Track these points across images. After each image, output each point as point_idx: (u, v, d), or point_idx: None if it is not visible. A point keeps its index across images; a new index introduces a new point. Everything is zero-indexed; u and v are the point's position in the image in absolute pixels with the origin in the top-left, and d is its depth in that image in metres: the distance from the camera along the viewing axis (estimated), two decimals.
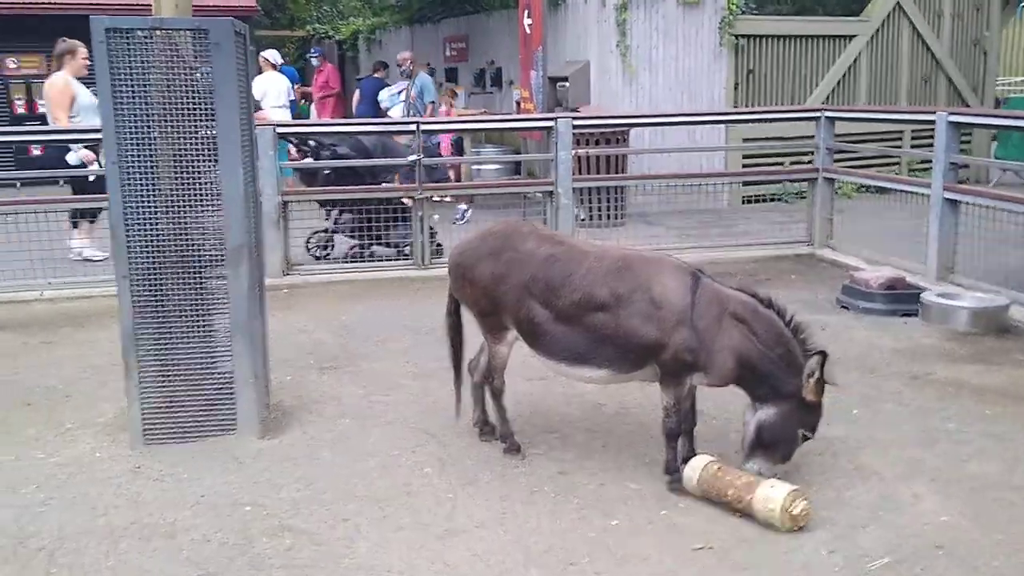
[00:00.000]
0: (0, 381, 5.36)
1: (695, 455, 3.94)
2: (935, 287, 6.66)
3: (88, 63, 8.72)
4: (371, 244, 8.41)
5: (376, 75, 13.46)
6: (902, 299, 6.40)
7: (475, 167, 11.96)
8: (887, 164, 12.10)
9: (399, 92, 12.19)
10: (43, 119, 14.85)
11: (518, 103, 11.97)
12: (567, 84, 10.82)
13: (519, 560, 3.36)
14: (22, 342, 6.13)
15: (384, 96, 12.42)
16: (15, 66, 15.24)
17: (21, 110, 15.19)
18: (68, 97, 8.44)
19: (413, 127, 8.11)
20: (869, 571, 3.27)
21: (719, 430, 4.46)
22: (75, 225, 8.46)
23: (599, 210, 9.40)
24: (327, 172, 8.29)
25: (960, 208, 7.03)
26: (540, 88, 10.15)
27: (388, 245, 8.40)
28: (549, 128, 8.28)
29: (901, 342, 5.87)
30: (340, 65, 19.70)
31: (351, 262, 8.34)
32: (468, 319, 4.42)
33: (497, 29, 13.96)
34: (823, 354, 3.64)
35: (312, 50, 15.72)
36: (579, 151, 8.69)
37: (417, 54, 16.43)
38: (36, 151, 14.34)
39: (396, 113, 11.95)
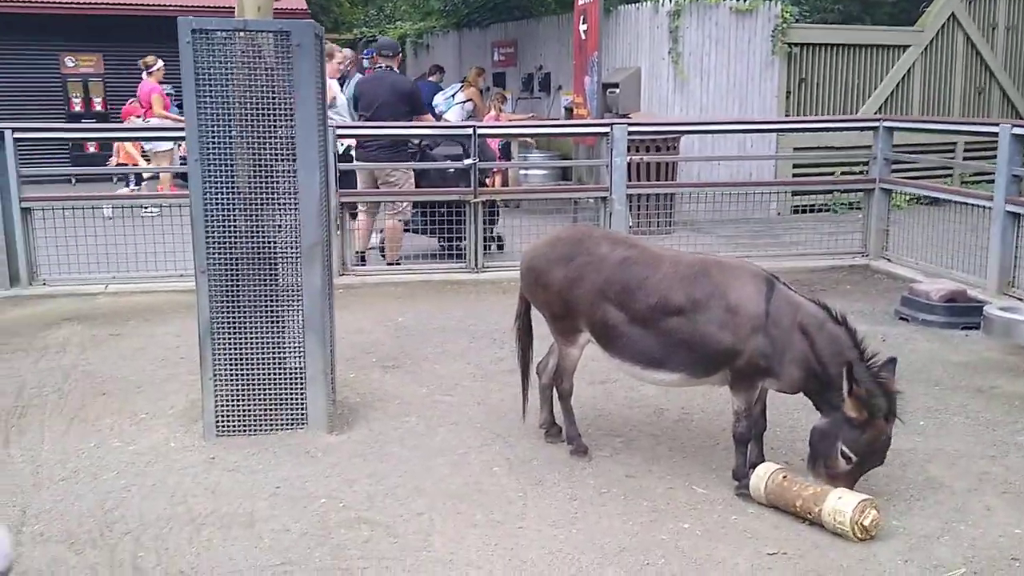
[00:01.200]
0: (75, 371, 5.50)
1: (763, 461, 3.96)
2: (996, 300, 6.60)
3: (341, 66, 9.37)
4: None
5: (431, 78, 13.55)
6: (963, 312, 6.35)
7: (522, 172, 12.04)
8: (938, 176, 11.99)
9: (453, 95, 12.29)
10: (100, 117, 15.31)
11: (568, 108, 12.01)
12: (617, 90, 10.85)
13: (594, 559, 3.39)
14: (91, 334, 6.28)
15: (439, 100, 12.52)
16: (73, 64, 15.59)
17: (78, 108, 15.52)
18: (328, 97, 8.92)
19: (469, 131, 8.18)
20: None
21: (784, 439, 4.47)
22: (354, 217, 8.62)
23: (648, 217, 9.41)
24: (450, 172, 8.52)
25: (1021, 221, 6.96)
26: (594, 94, 10.19)
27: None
28: (604, 134, 8.31)
29: (964, 355, 5.83)
30: None
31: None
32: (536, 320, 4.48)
33: (546, 34, 14.03)
34: (849, 364, 3.56)
35: (365, 51, 15.89)
36: (634, 157, 8.71)
37: (465, 59, 16.60)
38: (92, 148, 14.70)
39: (452, 116, 12.04)
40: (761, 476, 3.81)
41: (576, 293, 4.06)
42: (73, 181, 13.36)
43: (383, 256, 8.63)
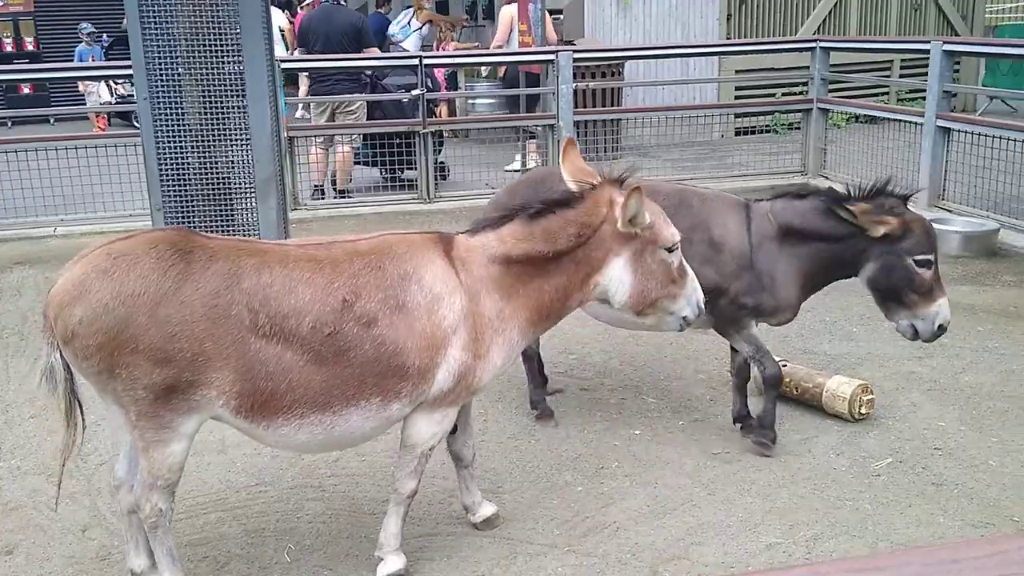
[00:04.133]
0: (32, 314, 5.51)
1: (747, 412, 3.82)
2: (926, 213, 6.88)
3: None
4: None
5: (379, 10, 13.36)
6: None
7: (469, 102, 12.03)
8: (876, 94, 12.25)
9: (408, 22, 12.16)
10: (32, 57, 14.87)
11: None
12: (562, 17, 10.84)
13: (552, 465, 3.62)
14: (45, 277, 6.28)
15: (395, 29, 12.37)
16: (2, 4, 15.07)
17: (9, 48, 15.06)
18: None
19: (416, 61, 8.19)
20: (874, 470, 3.55)
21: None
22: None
23: (596, 143, 9.54)
24: (406, 102, 8.54)
25: (951, 136, 7.24)
26: (539, 21, 10.18)
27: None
28: (550, 61, 8.37)
29: None
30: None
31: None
32: None
33: None
34: (831, 197, 3.46)
35: None
36: (579, 84, 8.79)
37: None
38: (26, 89, 14.32)
39: (410, 45, 11.93)
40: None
41: None
42: (9, 124, 13.06)
43: (334, 187, 8.68)
